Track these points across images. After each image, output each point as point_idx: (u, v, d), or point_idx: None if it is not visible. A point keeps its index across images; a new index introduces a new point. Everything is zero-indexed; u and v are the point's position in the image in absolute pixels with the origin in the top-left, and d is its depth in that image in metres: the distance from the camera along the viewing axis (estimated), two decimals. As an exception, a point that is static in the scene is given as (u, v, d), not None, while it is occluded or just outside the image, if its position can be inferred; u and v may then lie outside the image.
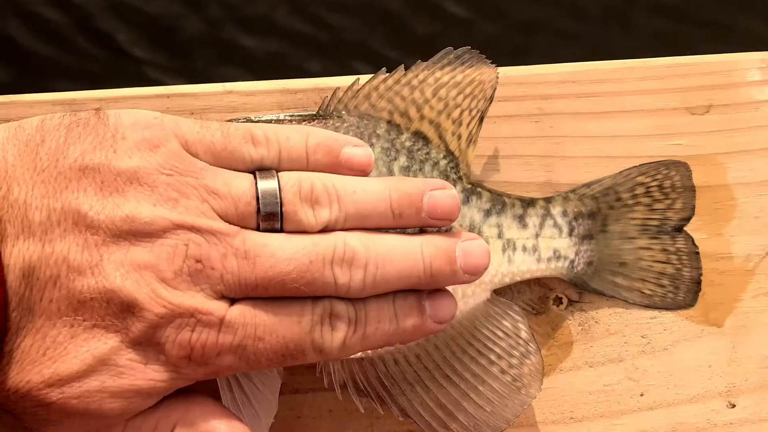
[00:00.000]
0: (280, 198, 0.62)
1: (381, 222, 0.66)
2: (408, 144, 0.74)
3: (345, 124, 0.73)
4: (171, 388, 0.62)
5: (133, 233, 0.59)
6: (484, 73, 0.76)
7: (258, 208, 0.62)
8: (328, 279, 0.62)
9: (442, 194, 0.67)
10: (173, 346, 0.60)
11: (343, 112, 0.74)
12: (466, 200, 0.75)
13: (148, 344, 0.60)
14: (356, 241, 0.63)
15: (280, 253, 0.61)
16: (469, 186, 0.76)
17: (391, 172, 0.73)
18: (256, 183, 0.63)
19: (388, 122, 0.74)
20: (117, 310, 0.59)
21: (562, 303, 0.80)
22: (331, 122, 0.73)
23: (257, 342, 0.61)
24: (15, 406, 0.61)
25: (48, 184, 0.59)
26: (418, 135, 0.75)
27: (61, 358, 0.59)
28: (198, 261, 0.60)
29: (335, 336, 0.63)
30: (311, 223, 0.63)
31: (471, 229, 0.75)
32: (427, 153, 0.75)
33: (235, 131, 0.64)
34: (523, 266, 0.76)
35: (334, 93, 0.74)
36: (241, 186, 0.62)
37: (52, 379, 0.59)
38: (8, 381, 0.59)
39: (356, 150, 0.67)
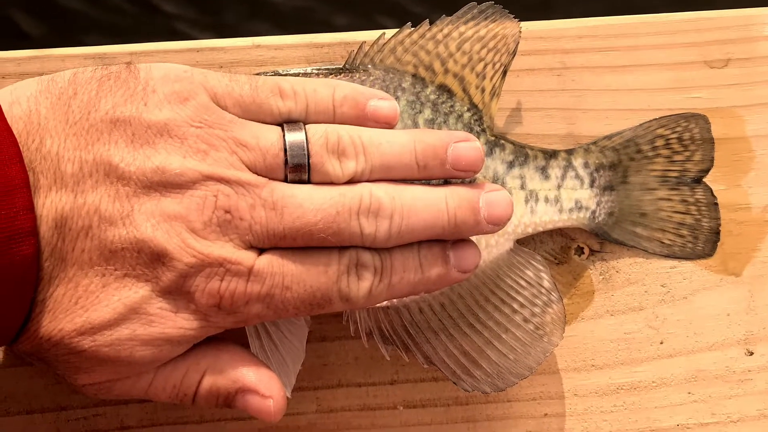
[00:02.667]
0: (308, 150, 0.64)
1: (406, 173, 0.67)
2: (432, 97, 0.75)
3: (371, 78, 0.74)
4: (200, 336, 0.64)
5: (163, 185, 0.60)
6: (507, 27, 0.77)
7: (285, 160, 0.63)
8: (354, 229, 0.63)
9: (466, 146, 0.68)
10: (202, 295, 0.61)
11: (369, 66, 0.75)
12: (490, 152, 0.76)
13: (177, 293, 0.61)
14: (382, 192, 0.65)
15: (307, 203, 0.62)
16: (493, 138, 0.77)
17: (416, 125, 0.74)
18: (283, 135, 0.64)
19: (413, 76, 0.75)
20: (147, 260, 0.60)
21: (583, 253, 0.81)
22: (357, 76, 0.74)
23: (285, 291, 0.63)
24: (48, 354, 0.62)
25: (80, 137, 0.60)
26: (443, 88, 0.76)
27: (93, 306, 0.60)
28: (227, 212, 0.61)
29: (361, 285, 0.65)
30: (338, 174, 0.64)
31: (494, 181, 0.76)
32: (452, 106, 0.76)
33: (263, 84, 0.66)
34: (545, 217, 0.78)
35: (360, 47, 0.75)
36: (269, 138, 0.63)
37: (84, 328, 0.60)
38: (41, 329, 0.61)
39: (382, 103, 0.68)
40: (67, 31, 1.90)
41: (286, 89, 0.66)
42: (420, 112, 0.74)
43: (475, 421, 0.79)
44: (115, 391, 0.65)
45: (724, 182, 0.82)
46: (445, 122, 0.75)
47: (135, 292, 0.61)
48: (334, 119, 0.67)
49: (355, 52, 0.75)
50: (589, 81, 0.82)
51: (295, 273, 0.63)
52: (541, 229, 0.78)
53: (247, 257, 0.62)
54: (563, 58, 0.82)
